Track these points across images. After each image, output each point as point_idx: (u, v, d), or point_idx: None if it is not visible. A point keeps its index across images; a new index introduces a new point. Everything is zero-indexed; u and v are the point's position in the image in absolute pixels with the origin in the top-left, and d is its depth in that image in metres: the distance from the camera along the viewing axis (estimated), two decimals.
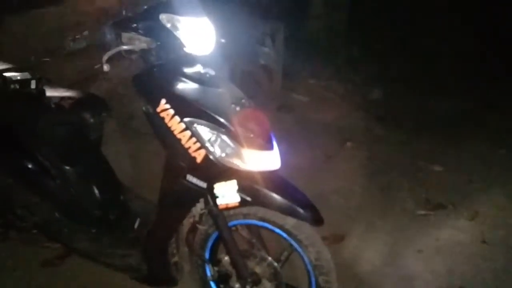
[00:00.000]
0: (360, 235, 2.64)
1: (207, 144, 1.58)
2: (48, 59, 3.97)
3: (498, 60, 4.84)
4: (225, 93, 1.64)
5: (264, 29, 4.17)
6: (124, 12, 1.64)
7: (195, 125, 1.57)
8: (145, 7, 1.63)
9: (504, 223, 2.74)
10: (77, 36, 1.56)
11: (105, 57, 1.52)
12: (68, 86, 2.25)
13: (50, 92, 2.06)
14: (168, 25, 1.55)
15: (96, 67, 1.75)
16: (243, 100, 1.67)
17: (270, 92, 4.27)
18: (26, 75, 2.02)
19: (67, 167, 2.05)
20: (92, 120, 2.04)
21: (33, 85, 2.02)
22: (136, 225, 2.13)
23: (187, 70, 1.62)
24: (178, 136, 1.58)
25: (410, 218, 2.82)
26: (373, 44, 5.01)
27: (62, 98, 2.07)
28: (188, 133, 1.58)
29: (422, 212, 2.86)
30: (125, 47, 1.54)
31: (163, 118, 1.59)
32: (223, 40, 1.79)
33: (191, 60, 1.63)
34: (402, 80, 4.55)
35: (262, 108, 3.81)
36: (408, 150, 3.54)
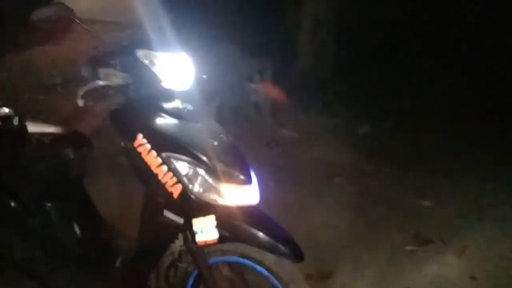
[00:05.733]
0: (348, 271, 2.60)
1: (184, 179, 1.57)
2: (42, 97, 4.02)
3: (485, 96, 4.90)
4: (203, 128, 1.65)
5: (253, 66, 4.23)
6: (101, 49, 1.67)
7: (172, 159, 1.57)
8: (123, 43, 1.66)
9: (492, 258, 2.70)
10: (53, 72, 1.57)
11: (80, 93, 1.54)
12: (56, 123, 2.25)
13: (32, 128, 2.05)
14: (145, 61, 1.56)
15: (86, 103, 1.75)
16: (221, 135, 1.67)
17: (259, 128, 4.30)
18: (9, 111, 2.03)
19: (48, 204, 2.03)
20: (73, 156, 2.02)
21: (15, 121, 2.02)
22: (117, 264, 2.08)
23: (165, 105, 1.63)
24: (155, 171, 1.58)
25: (399, 254, 2.78)
26: (362, 81, 5.07)
27: (44, 134, 2.06)
28: (164, 168, 1.57)
29: (411, 247, 2.83)
30: (101, 82, 1.55)
31: (140, 153, 1.59)
32: (204, 76, 1.81)
33: (169, 95, 1.63)
34: (390, 115, 4.58)
35: (251, 144, 3.85)
36: (396, 185, 3.52)
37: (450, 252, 2.77)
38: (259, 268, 1.69)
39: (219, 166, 1.58)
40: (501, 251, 2.78)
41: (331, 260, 2.67)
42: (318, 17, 4.80)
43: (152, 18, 1.69)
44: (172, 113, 1.63)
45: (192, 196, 1.58)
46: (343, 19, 4.99)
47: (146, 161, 1.58)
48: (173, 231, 1.67)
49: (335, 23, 4.94)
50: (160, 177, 1.57)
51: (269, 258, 1.66)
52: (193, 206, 1.59)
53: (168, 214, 1.62)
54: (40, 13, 1.67)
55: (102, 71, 1.57)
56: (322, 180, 3.60)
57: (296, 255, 1.63)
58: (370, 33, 5.42)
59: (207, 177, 1.58)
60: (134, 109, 1.64)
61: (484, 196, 3.40)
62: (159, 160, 1.57)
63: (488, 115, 4.57)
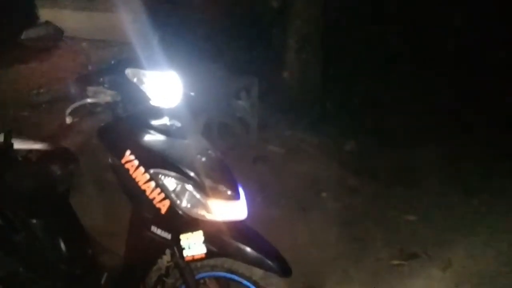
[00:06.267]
0: (335, 286, 2.61)
1: (172, 195, 1.58)
2: (26, 113, 4.02)
3: (471, 110, 4.98)
4: (191, 144, 1.67)
5: (239, 84, 4.27)
6: (90, 67, 1.69)
7: (160, 175, 1.58)
8: (112, 62, 1.68)
9: (477, 272, 2.74)
10: (41, 90, 1.59)
11: (68, 110, 1.56)
12: (42, 139, 2.25)
13: (18, 145, 2.05)
14: (134, 79, 1.59)
15: (74, 120, 1.77)
16: (209, 151, 1.70)
17: (246, 144, 4.32)
18: None
19: (33, 220, 2.02)
20: (59, 172, 2.03)
21: (1, 138, 2.02)
22: (103, 280, 2.08)
23: (153, 122, 1.65)
24: (143, 187, 1.59)
25: (385, 268, 2.81)
26: (348, 98, 5.14)
27: (30, 150, 2.06)
28: (152, 184, 1.58)
29: (396, 262, 2.86)
30: (89, 100, 1.57)
31: (127, 170, 1.60)
32: (192, 94, 1.84)
33: (157, 112, 1.66)
34: (376, 132, 4.63)
35: (238, 160, 3.86)
36: (381, 200, 3.56)
37: (435, 266, 2.81)
38: (246, 283, 1.70)
39: (207, 182, 1.60)
40: (486, 264, 2.83)
41: (318, 275, 2.69)
42: (304, 35, 4.87)
43: (140, 37, 1.72)
44: (160, 129, 1.65)
45: (180, 212, 1.59)
46: (329, 37, 5.06)
47: (134, 177, 1.60)
48: (160, 246, 1.67)
49: (321, 41, 5.01)
50: (147, 193, 1.59)
51: (257, 273, 1.67)
52: (180, 221, 1.61)
53: (155, 229, 1.63)
54: (30, 33, 1.70)
55: (90, 89, 1.59)
56: (309, 196, 3.62)
57: (284, 270, 1.64)
58: (356, 51, 5.51)
59: (195, 192, 1.59)
60: (122, 126, 1.65)
61: (469, 210, 3.45)
62: (147, 176, 1.58)
63: (475, 129, 4.65)
